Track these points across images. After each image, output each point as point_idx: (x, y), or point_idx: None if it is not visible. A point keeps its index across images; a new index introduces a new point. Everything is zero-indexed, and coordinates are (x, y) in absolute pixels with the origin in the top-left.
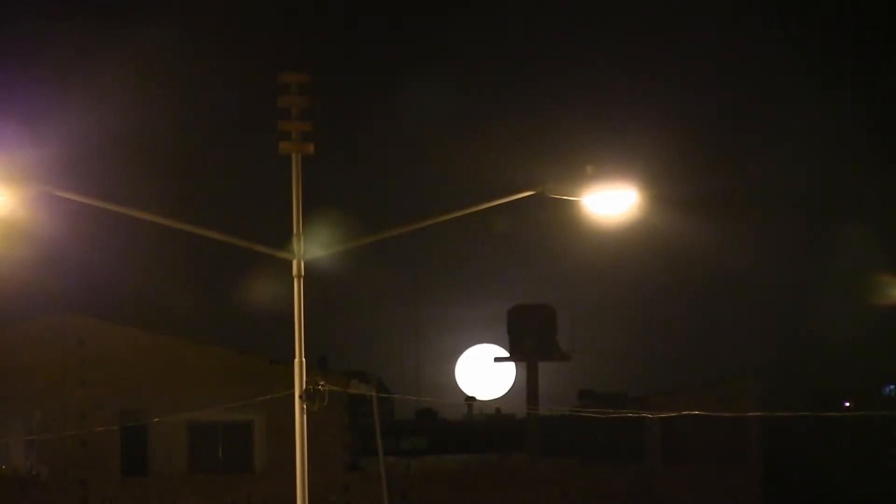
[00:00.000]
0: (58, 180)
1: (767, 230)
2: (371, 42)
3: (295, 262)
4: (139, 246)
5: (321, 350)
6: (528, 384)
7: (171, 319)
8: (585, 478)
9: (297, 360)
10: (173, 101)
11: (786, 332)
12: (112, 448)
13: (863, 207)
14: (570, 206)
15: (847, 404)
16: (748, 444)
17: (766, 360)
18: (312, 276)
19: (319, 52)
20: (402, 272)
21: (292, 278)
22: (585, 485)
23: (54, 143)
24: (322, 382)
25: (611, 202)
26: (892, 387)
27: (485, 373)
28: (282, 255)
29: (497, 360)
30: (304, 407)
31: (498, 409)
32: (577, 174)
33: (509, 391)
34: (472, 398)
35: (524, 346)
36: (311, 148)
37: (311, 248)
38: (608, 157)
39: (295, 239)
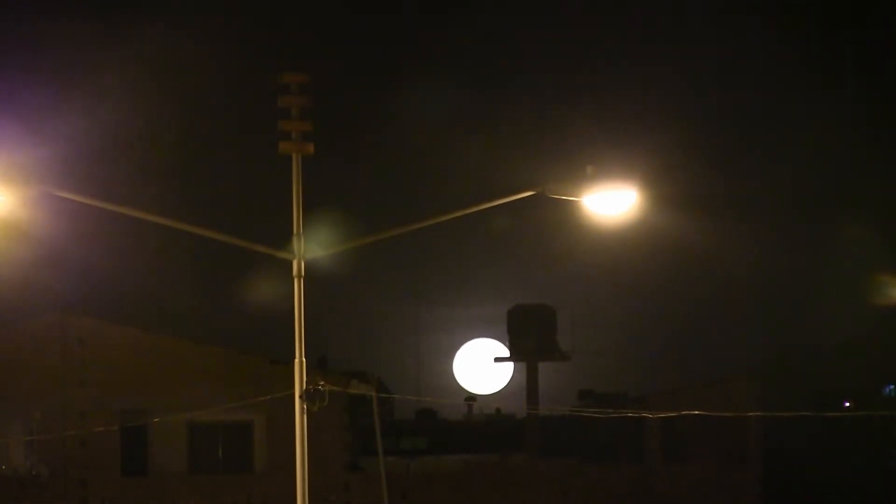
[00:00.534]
0: (58, 180)
1: (767, 230)
2: (371, 42)
3: (295, 262)
4: (139, 246)
5: (321, 350)
6: (528, 384)
7: (171, 319)
8: (585, 478)
9: (297, 360)
10: (173, 101)
11: (786, 332)
12: (112, 448)
13: (863, 207)
14: (571, 206)
15: (847, 404)
16: (748, 444)
17: (766, 360)
18: (312, 276)
19: (320, 52)
20: (402, 272)
21: (292, 278)
22: (585, 485)
23: (54, 143)
24: (322, 382)
25: (611, 202)
26: (892, 387)
27: (483, 367)
28: (282, 255)
29: (497, 360)
30: (304, 407)
31: (498, 409)
32: (578, 174)
33: (509, 390)
34: (473, 398)
35: (524, 346)
36: (311, 148)
37: (311, 248)
38: (608, 157)
39: (295, 239)
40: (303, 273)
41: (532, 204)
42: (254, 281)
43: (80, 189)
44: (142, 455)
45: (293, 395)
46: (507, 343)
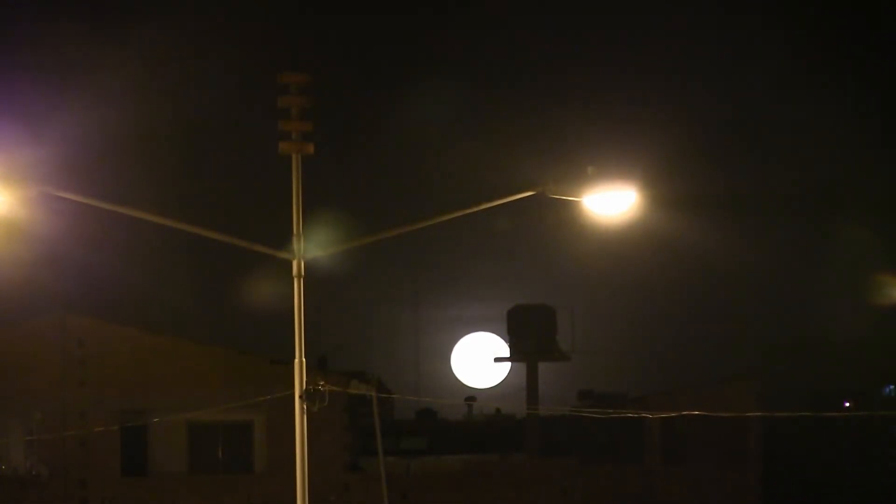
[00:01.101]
0: (58, 180)
1: (767, 230)
2: (372, 42)
3: (295, 262)
4: (139, 246)
5: (321, 350)
6: (527, 384)
7: (171, 319)
8: (585, 478)
9: (297, 360)
10: (173, 101)
11: (786, 332)
12: (112, 448)
13: (863, 207)
14: (571, 206)
15: (847, 404)
16: (748, 444)
17: (766, 360)
18: (312, 277)
19: (320, 52)
20: (402, 272)
21: (292, 278)
22: (585, 485)
23: (54, 143)
24: (322, 382)
25: (611, 202)
26: (892, 387)
27: (481, 362)
28: (282, 255)
29: (497, 359)
30: (304, 407)
31: (498, 409)
32: (578, 174)
33: (509, 390)
34: (473, 398)
35: (524, 346)
36: (311, 148)
37: (311, 248)
38: (608, 157)
39: (295, 239)
40: (303, 273)
41: (532, 204)
42: (254, 281)
43: (80, 189)
44: (142, 455)
45: (293, 395)
46: (504, 338)
